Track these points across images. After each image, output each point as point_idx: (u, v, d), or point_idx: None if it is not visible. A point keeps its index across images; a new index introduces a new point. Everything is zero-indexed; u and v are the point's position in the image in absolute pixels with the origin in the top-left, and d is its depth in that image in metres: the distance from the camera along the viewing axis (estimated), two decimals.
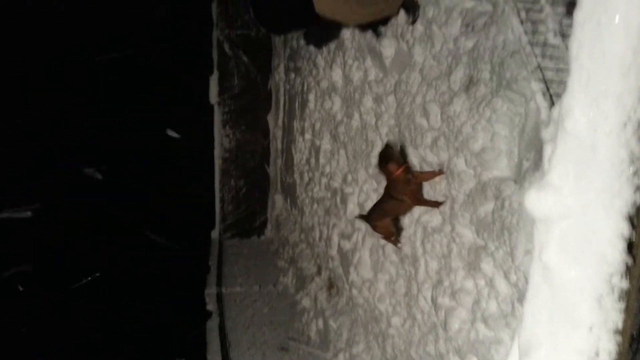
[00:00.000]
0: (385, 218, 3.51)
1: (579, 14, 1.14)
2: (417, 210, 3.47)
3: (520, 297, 2.41)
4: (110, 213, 7.17)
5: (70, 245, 6.84)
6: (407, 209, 3.41)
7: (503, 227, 2.55)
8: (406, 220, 3.57)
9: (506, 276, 2.56)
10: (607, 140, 1.10)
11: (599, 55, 1.10)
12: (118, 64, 6.83)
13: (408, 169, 3.28)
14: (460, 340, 2.83)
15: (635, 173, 1.09)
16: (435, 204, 3.21)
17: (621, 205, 1.10)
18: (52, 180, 6.88)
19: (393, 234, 3.56)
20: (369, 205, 4.20)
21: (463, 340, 2.80)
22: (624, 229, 1.11)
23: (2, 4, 6.10)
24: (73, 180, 7.06)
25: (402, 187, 3.25)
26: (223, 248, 7.54)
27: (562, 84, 1.23)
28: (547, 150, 1.20)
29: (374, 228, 3.66)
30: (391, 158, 3.28)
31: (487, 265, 2.70)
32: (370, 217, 3.63)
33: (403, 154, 3.65)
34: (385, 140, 3.82)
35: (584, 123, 1.12)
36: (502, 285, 2.59)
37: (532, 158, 2.47)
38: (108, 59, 6.82)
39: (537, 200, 1.19)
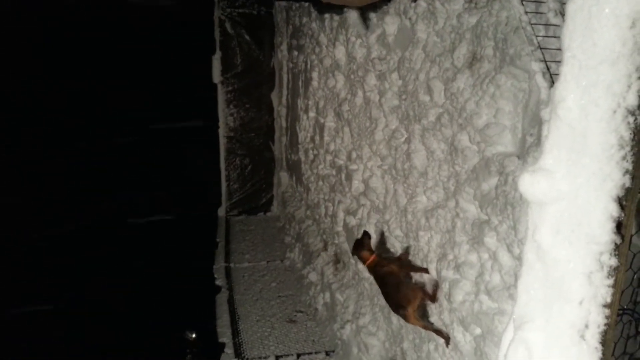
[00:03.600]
0: (409, 293, 3.22)
1: (571, 6, 1.18)
2: (420, 187, 3.53)
3: None
4: (119, 197, 7.30)
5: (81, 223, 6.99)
6: (399, 275, 3.32)
7: (506, 202, 2.60)
8: (404, 200, 3.63)
9: (509, 249, 2.62)
10: (597, 127, 1.16)
11: (589, 45, 1.14)
12: (120, 50, 6.83)
13: (380, 257, 3.47)
14: (464, 311, 2.92)
15: (624, 157, 1.15)
16: (422, 269, 3.43)
17: (611, 188, 1.16)
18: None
19: (423, 289, 3.33)
20: (373, 182, 4.27)
21: (467, 311, 2.89)
22: (613, 210, 1.18)
23: None
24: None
25: (382, 263, 3.40)
26: (230, 225, 7.67)
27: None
28: (545, 130, 1.25)
29: (412, 317, 3.23)
30: (364, 247, 3.48)
31: (490, 239, 2.76)
32: (402, 304, 3.23)
33: (382, 240, 3.97)
34: (363, 229, 3.83)
35: (576, 111, 1.17)
36: (505, 258, 2.65)
37: (535, 133, 2.50)
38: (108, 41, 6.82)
39: (530, 184, 1.25)
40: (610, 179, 1.16)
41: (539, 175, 1.23)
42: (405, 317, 3.24)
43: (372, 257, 3.43)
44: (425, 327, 3.26)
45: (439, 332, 3.17)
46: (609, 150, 1.15)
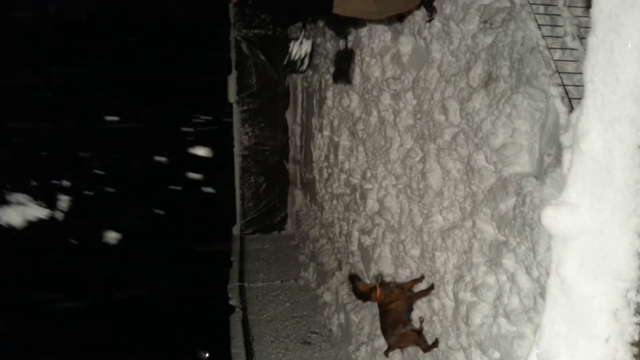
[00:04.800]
0: (398, 330, 3.43)
1: (593, 39, 1.16)
2: (435, 207, 3.50)
3: (543, 292, 2.42)
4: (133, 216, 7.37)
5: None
6: (403, 308, 3.47)
7: (524, 223, 2.56)
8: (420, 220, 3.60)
9: (528, 271, 2.57)
10: (621, 162, 1.13)
11: (612, 79, 1.12)
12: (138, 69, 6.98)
13: (382, 284, 3.52)
14: (482, 335, 2.85)
15: None
16: (425, 293, 3.47)
17: (636, 224, 1.13)
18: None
19: (417, 339, 3.46)
20: (388, 201, 4.24)
21: (485, 334, 2.83)
22: (639, 246, 1.14)
23: None
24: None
25: (390, 296, 3.44)
26: (244, 243, 7.66)
27: (581, 88, 1.24)
28: (566, 157, 1.22)
29: (400, 345, 3.54)
30: (365, 289, 3.49)
31: (508, 261, 2.71)
32: (391, 340, 3.48)
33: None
34: (346, 273, 3.98)
35: (600, 145, 1.15)
36: (523, 281, 2.60)
37: (553, 153, 2.47)
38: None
39: (554, 217, 1.22)
40: (636, 215, 1.13)
41: (563, 209, 1.21)
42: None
43: (378, 292, 3.42)
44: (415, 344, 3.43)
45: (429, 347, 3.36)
46: (633, 185, 1.11)
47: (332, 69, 5.28)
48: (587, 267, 1.21)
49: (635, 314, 1.17)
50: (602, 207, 1.16)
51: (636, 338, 1.17)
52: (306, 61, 3.57)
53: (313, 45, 3.64)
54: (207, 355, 5.23)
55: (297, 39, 3.54)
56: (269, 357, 4.93)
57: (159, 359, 5.24)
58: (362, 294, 3.49)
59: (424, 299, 3.55)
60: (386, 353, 3.53)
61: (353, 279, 3.62)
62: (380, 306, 3.48)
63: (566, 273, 1.23)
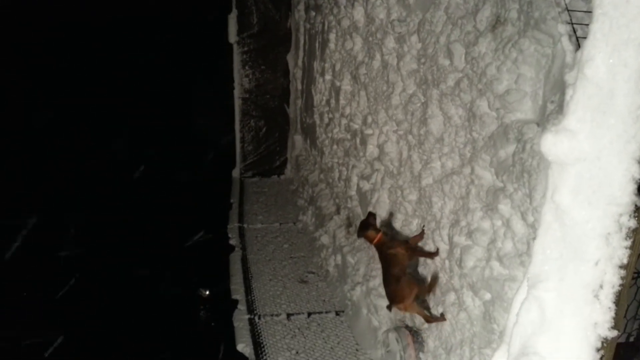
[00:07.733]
0: (405, 289, 3.30)
1: None
2: (435, 153, 3.51)
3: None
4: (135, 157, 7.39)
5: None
6: (405, 259, 3.37)
7: (523, 170, 2.58)
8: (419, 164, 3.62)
9: (523, 217, 2.62)
10: (625, 87, 1.13)
11: (622, 3, 1.10)
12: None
13: (386, 235, 3.48)
14: (474, 277, 2.95)
15: None
16: (430, 254, 3.40)
17: (634, 150, 1.14)
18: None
19: (421, 310, 3.37)
20: (388, 147, 4.25)
21: (477, 277, 2.92)
22: (635, 171, 1.17)
23: None
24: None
25: (389, 243, 3.42)
26: (244, 186, 7.75)
27: (587, 27, 1.22)
28: (568, 94, 1.22)
29: (406, 309, 3.39)
30: (370, 227, 3.47)
31: (504, 207, 2.75)
32: (395, 299, 3.36)
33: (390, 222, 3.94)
34: (369, 209, 3.84)
35: (604, 70, 1.14)
36: (518, 226, 2.65)
37: (557, 100, 2.45)
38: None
39: (553, 144, 1.23)
40: (635, 141, 1.14)
41: (562, 136, 1.22)
42: (399, 309, 3.41)
43: (379, 236, 3.46)
44: (420, 314, 3.38)
45: (433, 319, 3.31)
46: (635, 111, 1.12)
47: None
48: (582, 193, 1.24)
49: (626, 238, 1.21)
50: (602, 134, 1.18)
51: (625, 261, 1.22)
52: None
53: None
54: (207, 292, 5.40)
55: None
56: (267, 293, 5.11)
57: (160, 295, 5.40)
58: (366, 226, 3.51)
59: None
60: (389, 308, 3.49)
61: (370, 215, 3.62)
62: (380, 253, 3.47)
63: (561, 199, 1.26)
